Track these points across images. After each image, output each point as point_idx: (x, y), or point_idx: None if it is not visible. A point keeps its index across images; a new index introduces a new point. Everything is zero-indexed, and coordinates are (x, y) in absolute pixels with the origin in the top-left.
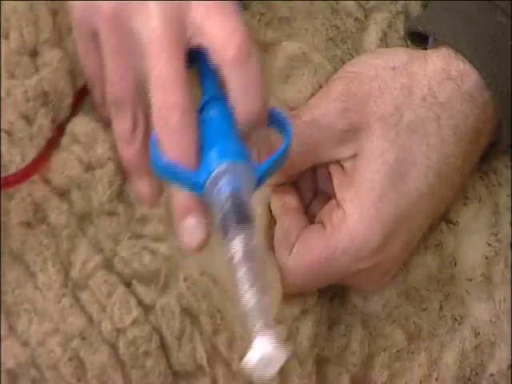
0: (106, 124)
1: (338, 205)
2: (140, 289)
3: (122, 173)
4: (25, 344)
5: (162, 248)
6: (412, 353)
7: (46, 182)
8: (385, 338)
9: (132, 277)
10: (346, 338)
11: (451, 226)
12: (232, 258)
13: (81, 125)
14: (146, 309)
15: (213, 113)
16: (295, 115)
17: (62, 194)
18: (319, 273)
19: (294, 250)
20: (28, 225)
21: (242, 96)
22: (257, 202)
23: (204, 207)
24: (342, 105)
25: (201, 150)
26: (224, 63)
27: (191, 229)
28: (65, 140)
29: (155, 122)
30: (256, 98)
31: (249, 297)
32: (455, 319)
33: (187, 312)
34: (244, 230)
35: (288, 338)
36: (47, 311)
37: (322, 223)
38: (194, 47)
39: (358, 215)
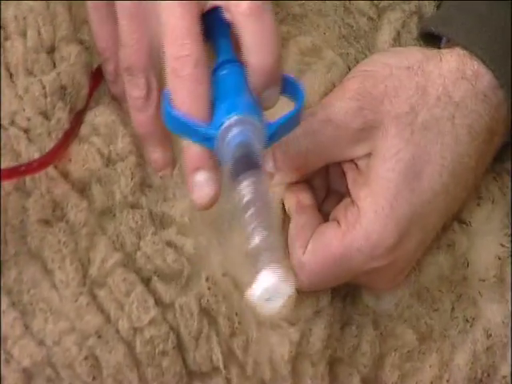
0: (118, 100)
1: (353, 203)
2: (159, 286)
3: (144, 165)
4: (40, 343)
5: (187, 245)
6: (423, 353)
7: (66, 175)
8: (396, 337)
9: (153, 273)
10: (357, 338)
11: (464, 226)
12: (240, 201)
13: (101, 116)
14: (164, 307)
15: (226, 73)
16: (310, 114)
17: (82, 189)
18: (334, 270)
19: (309, 247)
20: (46, 222)
21: (255, 49)
22: None
23: (215, 163)
24: (357, 103)
25: (213, 106)
26: (237, 17)
27: (201, 184)
28: (84, 131)
29: (168, 74)
30: (269, 51)
31: (256, 234)
32: (467, 320)
33: (206, 312)
34: (252, 175)
35: (301, 339)
36: (63, 310)
37: (337, 221)
38: (210, 8)
39: (372, 213)
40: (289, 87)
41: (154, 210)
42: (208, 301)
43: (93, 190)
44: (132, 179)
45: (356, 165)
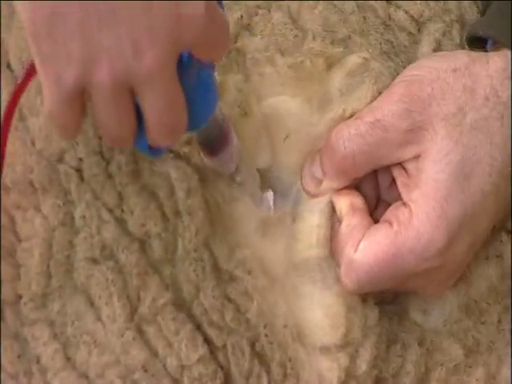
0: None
1: (404, 204)
2: (211, 331)
3: (210, 221)
4: (82, 375)
5: (252, 309)
6: (470, 367)
7: (121, 221)
8: (442, 352)
9: (207, 324)
10: (401, 358)
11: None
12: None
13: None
14: (214, 347)
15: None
16: (357, 117)
17: (139, 240)
18: (384, 270)
19: (361, 246)
20: (94, 260)
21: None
22: (318, 212)
23: None
24: (404, 106)
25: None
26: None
27: None
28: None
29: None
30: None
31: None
32: None
33: (258, 355)
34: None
35: (349, 362)
36: (108, 344)
37: (389, 222)
38: None
39: (424, 215)
40: None
41: (218, 264)
42: (263, 346)
43: (152, 243)
44: (196, 235)
45: (404, 168)
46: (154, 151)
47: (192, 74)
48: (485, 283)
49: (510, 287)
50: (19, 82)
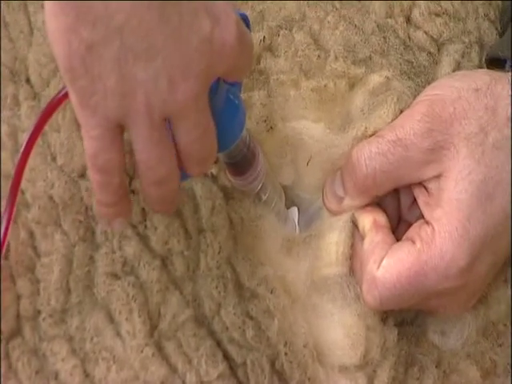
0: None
1: (427, 223)
2: (231, 348)
3: (234, 238)
4: None
5: (272, 327)
6: None
7: (143, 237)
8: (459, 374)
9: (227, 340)
10: (418, 381)
11: None
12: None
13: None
14: (234, 363)
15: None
16: (379, 135)
17: (162, 257)
18: (406, 287)
19: (384, 262)
20: (115, 275)
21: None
22: (337, 229)
23: None
24: (426, 125)
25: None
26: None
27: None
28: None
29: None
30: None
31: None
32: None
33: (277, 372)
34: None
35: (367, 382)
36: (127, 359)
37: (412, 240)
38: None
39: (447, 234)
40: None
41: (240, 281)
42: (282, 365)
43: (174, 260)
44: (219, 252)
45: (425, 188)
46: (184, 176)
47: (221, 97)
48: (503, 305)
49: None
50: (44, 111)
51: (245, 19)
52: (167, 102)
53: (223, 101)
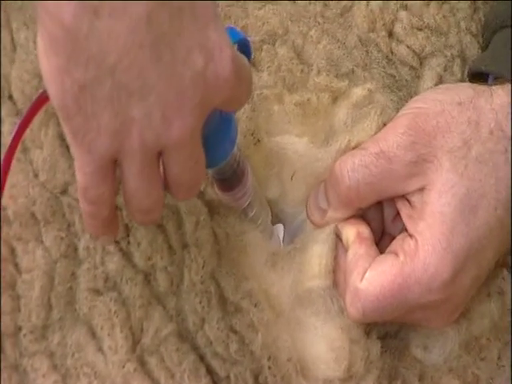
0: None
1: (411, 236)
2: (214, 362)
3: (218, 253)
4: None
5: (256, 341)
6: None
7: (125, 253)
8: None
9: (211, 354)
10: None
11: None
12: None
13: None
14: (217, 377)
15: None
16: (362, 147)
17: (144, 272)
18: (390, 300)
19: (367, 274)
20: (97, 291)
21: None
22: (320, 242)
23: None
24: (410, 138)
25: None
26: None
27: None
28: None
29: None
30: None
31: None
32: None
33: None
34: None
35: None
36: (109, 375)
37: (395, 253)
38: None
39: (430, 246)
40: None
41: (224, 295)
42: (266, 378)
43: (157, 276)
44: (203, 267)
45: (409, 201)
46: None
47: (214, 118)
48: (486, 320)
49: (509, 323)
50: (24, 116)
51: (246, 43)
52: (161, 137)
53: (217, 121)
